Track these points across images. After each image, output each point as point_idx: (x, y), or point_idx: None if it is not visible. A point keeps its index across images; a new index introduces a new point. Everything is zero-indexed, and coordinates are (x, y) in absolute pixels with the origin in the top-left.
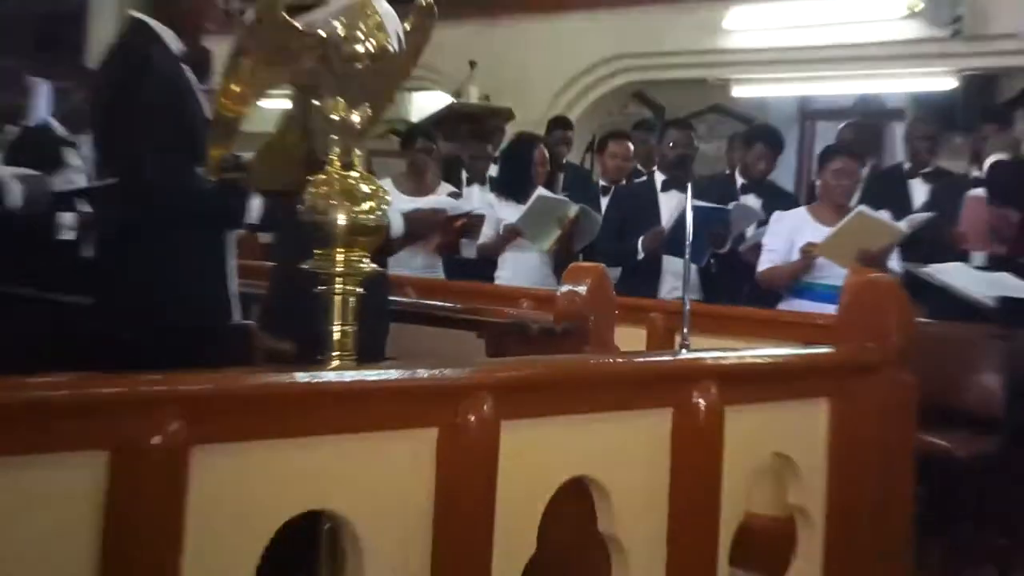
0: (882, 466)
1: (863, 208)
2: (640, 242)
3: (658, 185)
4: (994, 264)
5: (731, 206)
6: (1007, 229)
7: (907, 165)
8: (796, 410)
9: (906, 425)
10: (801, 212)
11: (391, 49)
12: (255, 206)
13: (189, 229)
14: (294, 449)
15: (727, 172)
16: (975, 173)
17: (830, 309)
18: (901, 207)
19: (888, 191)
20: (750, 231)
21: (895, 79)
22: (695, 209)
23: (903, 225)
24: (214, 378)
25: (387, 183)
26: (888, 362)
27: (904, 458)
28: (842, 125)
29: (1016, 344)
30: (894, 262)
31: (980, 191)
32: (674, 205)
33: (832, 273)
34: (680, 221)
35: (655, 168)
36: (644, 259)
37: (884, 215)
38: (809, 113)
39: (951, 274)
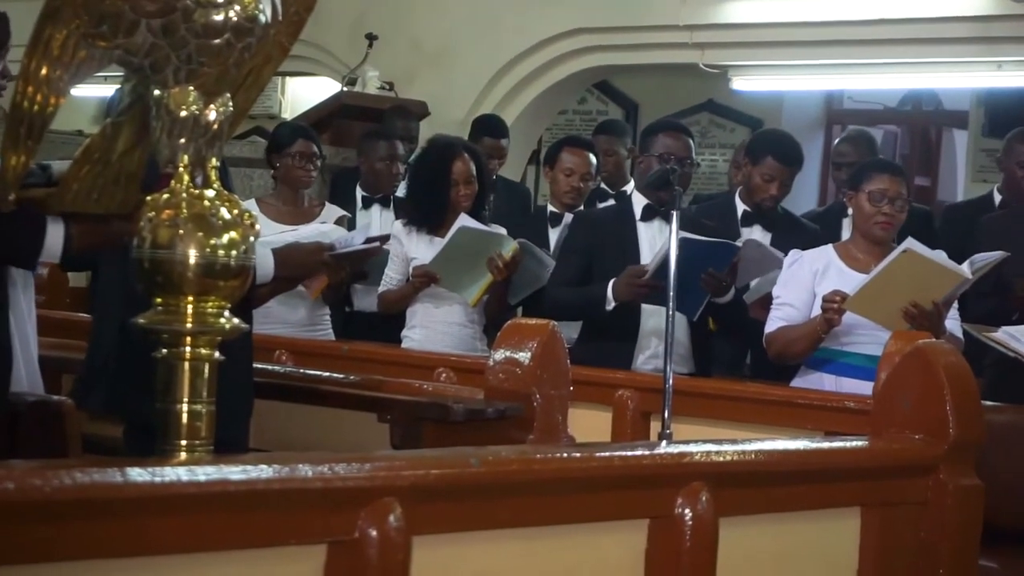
0: None
1: (912, 244)
2: (611, 286)
3: (637, 211)
4: None
5: (741, 242)
6: None
7: (999, 197)
8: (817, 524)
9: (967, 546)
10: (826, 251)
11: (262, 19)
12: (56, 236)
13: None
14: (125, 574)
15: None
16: None
17: (865, 388)
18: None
19: (971, 236)
20: (756, 279)
21: (955, 71)
22: (690, 244)
23: (966, 269)
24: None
25: (251, 205)
26: (944, 461)
27: None
28: (838, 139)
29: None
30: (952, 322)
31: None
32: (659, 240)
33: (867, 337)
34: (667, 261)
35: (629, 188)
36: (616, 312)
37: (941, 255)
38: (838, 115)
39: None
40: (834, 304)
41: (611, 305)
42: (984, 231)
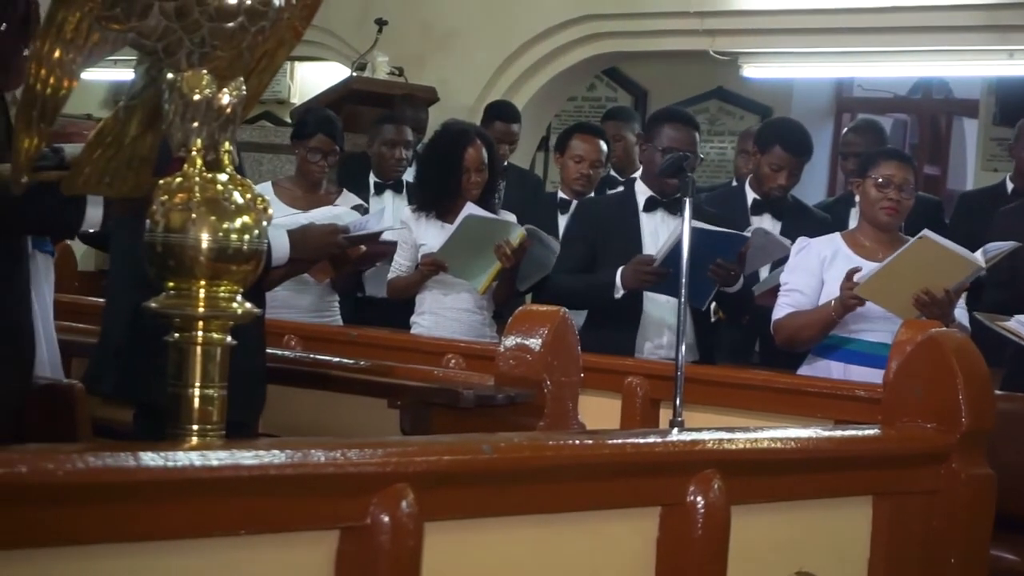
0: None
1: (928, 233)
2: (619, 274)
3: (640, 201)
4: None
5: (750, 231)
6: None
7: (1011, 185)
8: (828, 513)
9: (979, 535)
10: (833, 239)
11: (276, 2)
12: (96, 204)
13: None
14: (137, 558)
15: (733, 184)
16: None
17: (873, 376)
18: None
19: (983, 224)
20: (765, 270)
21: (966, 60)
22: (700, 234)
23: (980, 257)
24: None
25: (266, 190)
26: (956, 450)
27: None
28: (846, 129)
29: None
30: (960, 311)
31: None
32: (661, 231)
33: (876, 325)
34: (676, 250)
35: (636, 175)
36: (619, 301)
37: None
38: (848, 103)
39: None
40: (853, 292)
41: (619, 293)
42: (999, 222)
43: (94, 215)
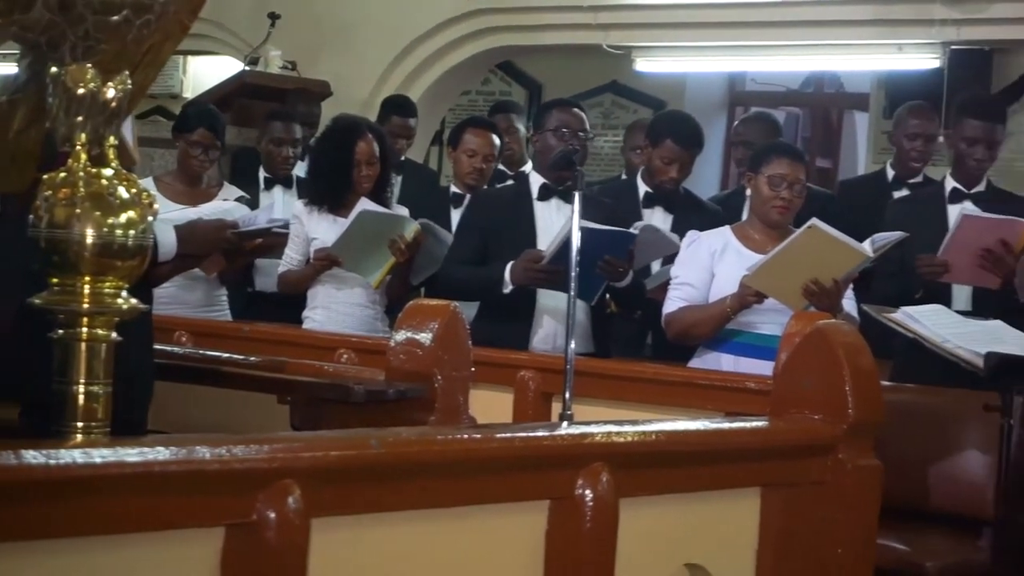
0: None
1: (816, 222)
2: (508, 269)
3: (534, 190)
4: (981, 306)
5: (637, 228)
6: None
7: (891, 172)
8: (717, 505)
9: (865, 526)
10: (723, 232)
11: None
12: None
13: None
14: (19, 557)
15: (624, 177)
16: (953, 184)
17: (763, 368)
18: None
19: (866, 212)
20: (656, 264)
21: (857, 54)
22: (588, 233)
23: (868, 247)
24: None
25: (148, 184)
26: (842, 441)
27: (861, 570)
28: (737, 121)
29: (1014, 419)
30: (848, 302)
31: (972, 207)
32: (556, 219)
33: (766, 317)
34: (565, 247)
35: (528, 169)
36: (512, 292)
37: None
38: (741, 97)
39: (928, 321)
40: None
41: (508, 288)
42: (890, 212)
43: None
